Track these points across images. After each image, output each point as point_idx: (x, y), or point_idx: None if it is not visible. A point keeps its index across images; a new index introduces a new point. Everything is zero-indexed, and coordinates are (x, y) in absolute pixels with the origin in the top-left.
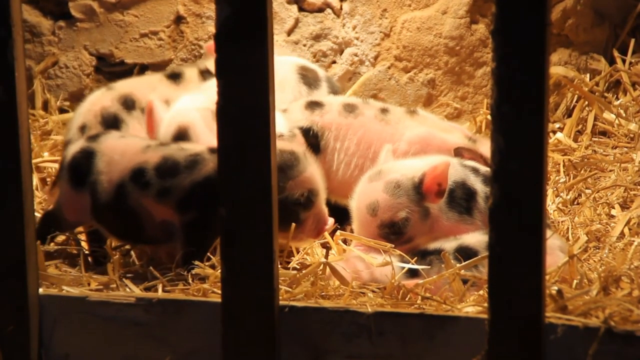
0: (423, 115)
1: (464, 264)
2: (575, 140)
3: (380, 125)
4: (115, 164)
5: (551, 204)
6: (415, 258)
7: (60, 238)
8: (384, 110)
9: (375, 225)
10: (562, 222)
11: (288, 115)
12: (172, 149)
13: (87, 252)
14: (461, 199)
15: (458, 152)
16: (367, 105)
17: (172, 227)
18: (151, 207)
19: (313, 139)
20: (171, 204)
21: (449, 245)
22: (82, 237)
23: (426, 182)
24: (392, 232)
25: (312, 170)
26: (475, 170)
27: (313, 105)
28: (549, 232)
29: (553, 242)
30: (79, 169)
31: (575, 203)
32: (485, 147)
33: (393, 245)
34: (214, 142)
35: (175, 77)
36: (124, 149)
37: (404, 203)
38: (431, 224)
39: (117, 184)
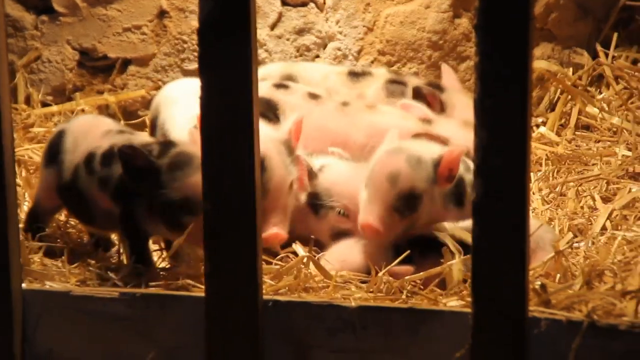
0: (381, 109)
1: (457, 260)
2: (559, 134)
3: (339, 117)
4: (79, 145)
5: (537, 194)
6: (408, 251)
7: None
8: (345, 103)
9: (392, 195)
10: (547, 215)
11: None
12: (124, 138)
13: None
14: (457, 191)
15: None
16: (330, 98)
17: (115, 217)
18: (96, 195)
19: (271, 110)
20: (108, 194)
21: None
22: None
23: (442, 165)
24: (407, 206)
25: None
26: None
27: (280, 86)
28: (538, 224)
29: (545, 236)
30: (52, 148)
31: (559, 196)
32: (442, 127)
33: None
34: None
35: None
36: (88, 131)
37: (423, 178)
38: (435, 210)
39: (75, 165)
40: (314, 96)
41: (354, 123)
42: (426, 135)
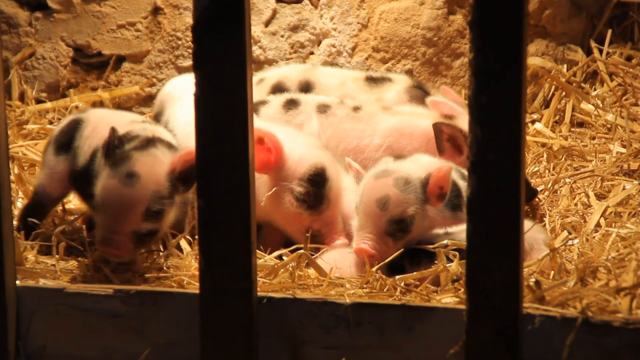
0: (398, 110)
1: (454, 264)
2: (553, 131)
3: (350, 123)
4: (99, 131)
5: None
6: (402, 250)
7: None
8: (356, 109)
9: (384, 220)
10: (540, 212)
11: (265, 109)
12: (143, 127)
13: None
14: (452, 196)
15: (437, 128)
16: (341, 106)
17: None
18: None
19: None
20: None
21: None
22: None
23: (430, 184)
24: (400, 229)
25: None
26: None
27: (290, 103)
28: (530, 224)
29: (538, 236)
30: (65, 136)
31: (553, 192)
32: (464, 122)
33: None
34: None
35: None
36: (113, 120)
37: (413, 200)
38: (429, 224)
39: (94, 149)
40: (323, 108)
41: (365, 127)
42: (448, 125)
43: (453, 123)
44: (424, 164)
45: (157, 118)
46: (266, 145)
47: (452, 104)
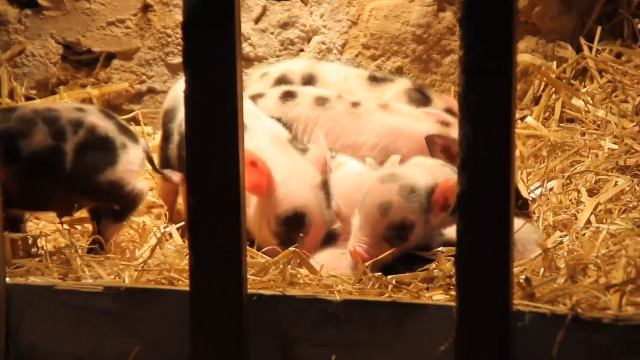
0: (396, 108)
1: (448, 264)
2: (544, 126)
3: (349, 119)
4: None
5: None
6: (394, 250)
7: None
8: (355, 104)
9: (383, 226)
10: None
11: (263, 102)
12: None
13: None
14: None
15: (430, 141)
16: (340, 100)
17: None
18: None
19: (287, 128)
20: None
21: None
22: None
23: (436, 194)
24: (398, 236)
25: None
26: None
27: (287, 95)
28: (521, 223)
29: (531, 237)
30: None
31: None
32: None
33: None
34: None
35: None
36: None
37: (415, 209)
38: (429, 230)
39: None
40: (321, 101)
41: (364, 124)
42: (440, 137)
43: (445, 133)
44: (432, 171)
45: (169, 115)
46: (260, 169)
47: (443, 114)
